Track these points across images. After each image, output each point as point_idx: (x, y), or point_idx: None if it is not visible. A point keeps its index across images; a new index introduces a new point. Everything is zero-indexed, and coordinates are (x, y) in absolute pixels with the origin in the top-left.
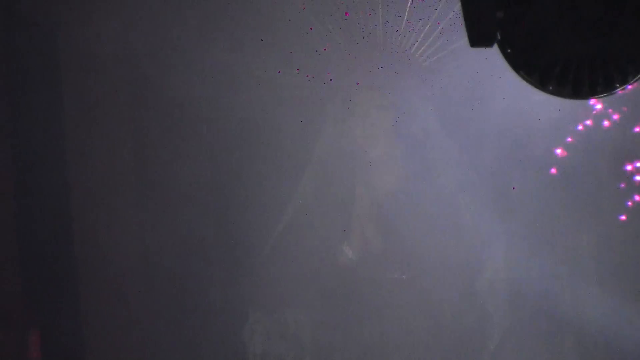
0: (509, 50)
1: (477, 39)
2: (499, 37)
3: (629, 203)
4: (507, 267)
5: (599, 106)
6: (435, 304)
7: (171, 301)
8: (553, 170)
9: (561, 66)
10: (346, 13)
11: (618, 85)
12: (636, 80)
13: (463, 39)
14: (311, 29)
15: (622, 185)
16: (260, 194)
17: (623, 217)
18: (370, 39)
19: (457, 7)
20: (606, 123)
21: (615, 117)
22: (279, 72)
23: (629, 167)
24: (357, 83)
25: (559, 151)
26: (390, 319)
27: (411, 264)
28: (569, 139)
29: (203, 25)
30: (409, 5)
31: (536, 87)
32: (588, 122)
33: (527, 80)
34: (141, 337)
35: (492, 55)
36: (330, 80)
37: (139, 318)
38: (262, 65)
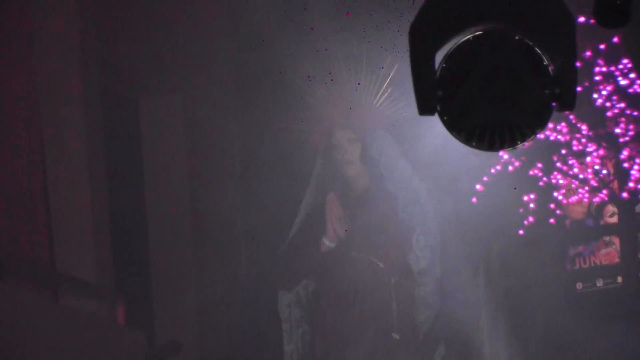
0: (445, 118)
1: (423, 109)
2: (439, 109)
3: (525, 222)
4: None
5: (505, 156)
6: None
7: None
8: (474, 200)
9: (480, 129)
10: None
11: (519, 142)
12: (531, 139)
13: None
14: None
15: (521, 210)
16: (272, 205)
17: (521, 232)
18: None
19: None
20: (510, 168)
21: (517, 164)
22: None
23: (525, 198)
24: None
25: (478, 186)
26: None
27: (368, 247)
28: (485, 178)
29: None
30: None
31: (463, 142)
32: (498, 167)
33: (457, 138)
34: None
35: (435, 118)
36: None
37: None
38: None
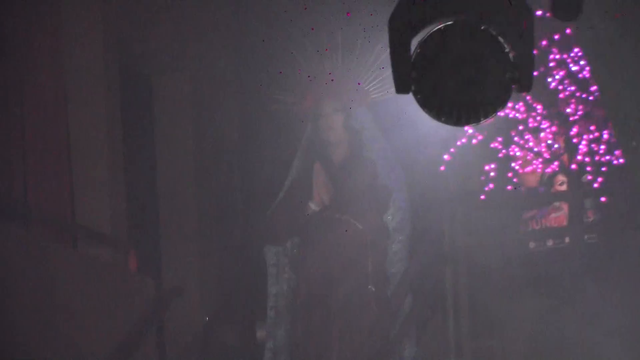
0: (418, 96)
1: (399, 88)
2: (413, 88)
3: (486, 188)
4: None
5: (470, 131)
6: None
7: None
8: (442, 168)
9: (449, 106)
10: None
11: (482, 118)
12: (493, 116)
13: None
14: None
15: (483, 178)
16: (265, 168)
17: (483, 197)
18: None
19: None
20: (474, 141)
21: (480, 137)
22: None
23: (486, 167)
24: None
25: (446, 156)
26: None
27: (348, 210)
28: (452, 150)
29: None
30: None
31: (433, 118)
32: (464, 140)
33: (428, 114)
34: None
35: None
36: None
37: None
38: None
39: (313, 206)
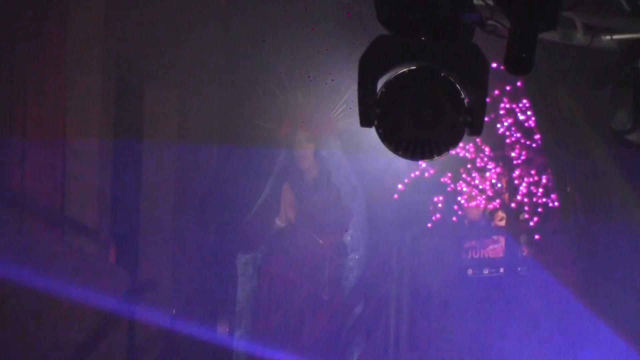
0: (380, 131)
1: (364, 122)
2: (376, 123)
3: (434, 217)
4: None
5: (424, 165)
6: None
7: None
8: (395, 196)
9: (406, 142)
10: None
11: (435, 155)
12: (445, 154)
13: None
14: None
15: (431, 208)
16: (240, 183)
17: (429, 225)
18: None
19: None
20: (426, 174)
21: (432, 171)
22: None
23: (435, 199)
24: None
25: (400, 186)
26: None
27: (312, 227)
28: (406, 180)
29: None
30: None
31: (392, 151)
32: (417, 173)
33: (387, 147)
34: None
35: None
36: (332, 80)
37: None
38: None
39: (279, 222)
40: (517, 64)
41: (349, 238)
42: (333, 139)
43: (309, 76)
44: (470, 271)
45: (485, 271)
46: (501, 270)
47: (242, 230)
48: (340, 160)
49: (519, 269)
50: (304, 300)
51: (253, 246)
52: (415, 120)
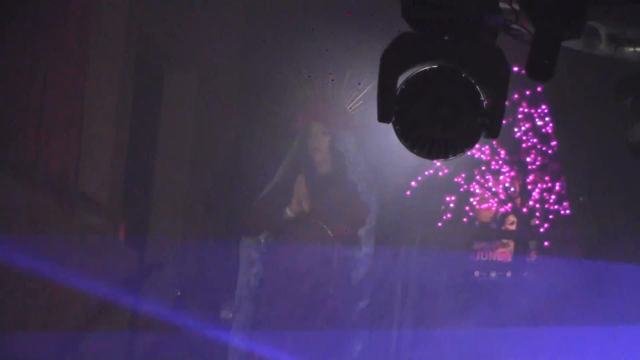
0: (397, 127)
1: (382, 117)
2: (393, 119)
3: (445, 217)
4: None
5: (438, 164)
6: None
7: None
8: (408, 193)
9: (423, 141)
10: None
11: (450, 156)
12: (460, 155)
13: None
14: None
15: (442, 207)
16: (256, 174)
17: (440, 224)
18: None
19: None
20: (440, 173)
21: (446, 171)
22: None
23: (447, 199)
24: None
25: (413, 183)
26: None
27: (323, 218)
28: (419, 178)
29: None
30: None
31: (408, 149)
32: (431, 171)
33: (404, 144)
34: None
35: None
36: (332, 80)
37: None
38: None
39: (289, 212)
40: (538, 70)
41: (363, 233)
42: (348, 134)
43: (330, 73)
44: (477, 273)
45: (493, 274)
46: (508, 274)
47: (248, 214)
48: (357, 156)
49: (526, 274)
50: (308, 292)
51: (258, 231)
52: (433, 119)
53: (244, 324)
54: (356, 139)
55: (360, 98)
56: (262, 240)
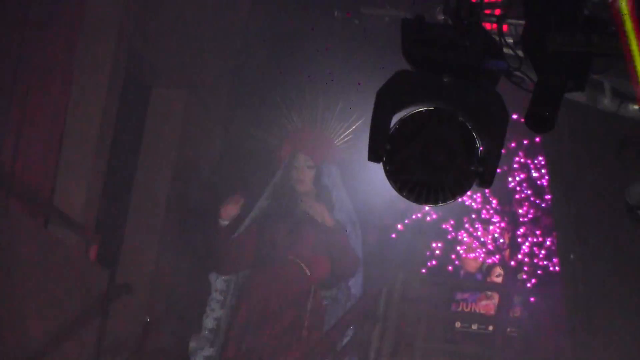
0: (387, 167)
1: (372, 156)
2: (384, 159)
3: (429, 263)
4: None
5: (427, 208)
6: None
7: None
8: (393, 235)
9: (412, 184)
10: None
11: (440, 202)
12: (450, 202)
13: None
14: None
15: (428, 253)
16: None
17: (424, 271)
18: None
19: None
20: (428, 218)
21: (434, 216)
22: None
23: (433, 245)
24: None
25: (399, 226)
26: None
27: (302, 256)
28: (406, 221)
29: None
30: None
31: (396, 190)
32: (419, 215)
33: (392, 186)
34: None
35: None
36: (332, 80)
37: None
38: None
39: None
40: (538, 121)
41: (352, 282)
42: (334, 169)
43: (332, 80)
44: (458, 324)
45: (474, 326)
46: (490, 328)
47: (224, 249)
48: (342, 194)
49: (508, 329)
50: (281, 331)
51: (234, 268)
52: (425, 162)
53: (213, 358)
54: (342, 173)
55: (350, 132)
56: (240, 274)
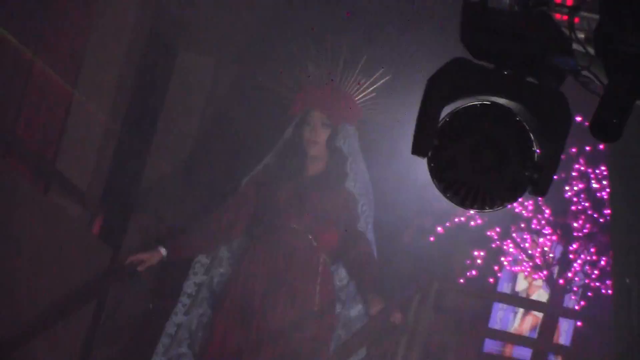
0: (432, 164)
1: (416, 150)
2: (429, 154)
3: (468, 273)
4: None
5: (472, 212)
6: None
7: None
8: (432, 238)
9: (459, 185)
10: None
11: (487, 208)
12: (499, 209)
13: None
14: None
15: (468, 262)
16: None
17: (462, 281)
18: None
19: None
20: (472, 223)
21: (479, 221)
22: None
23: (475, 253)
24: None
25: (439, 228)
26: None
27: (309, 224)
28: (448, 224)
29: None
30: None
31: (440, 191)
32: (462, 219)
33: (436, 186)
34: None
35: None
36: (332, 80)
37: None
38: None
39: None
40: (604, 129)
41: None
42: (351, 129)
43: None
44: (489, 345)
45: (507, 349)
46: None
47: (217, 214)
48: (359, 164)
49: (551, 357)
50: (291, 311)
51: (225, 237)
52: (475, 163)
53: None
54: (359, 135)
55: (373, 90)
56: (215, 278)
